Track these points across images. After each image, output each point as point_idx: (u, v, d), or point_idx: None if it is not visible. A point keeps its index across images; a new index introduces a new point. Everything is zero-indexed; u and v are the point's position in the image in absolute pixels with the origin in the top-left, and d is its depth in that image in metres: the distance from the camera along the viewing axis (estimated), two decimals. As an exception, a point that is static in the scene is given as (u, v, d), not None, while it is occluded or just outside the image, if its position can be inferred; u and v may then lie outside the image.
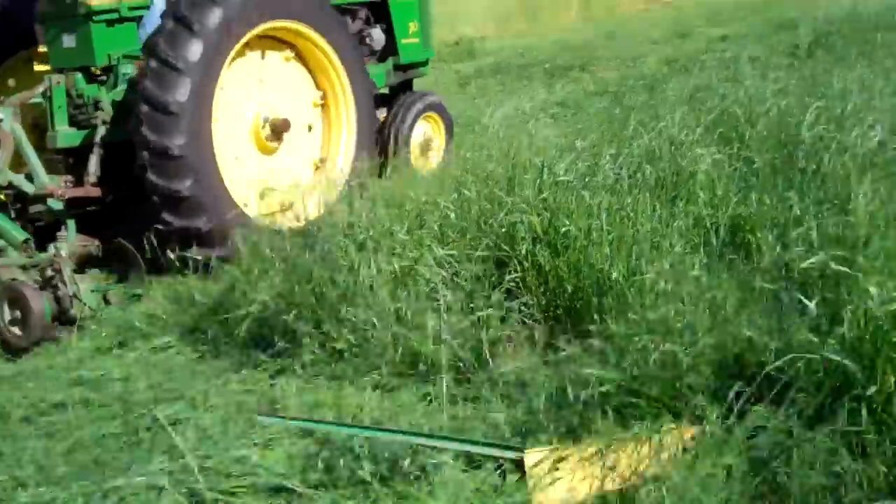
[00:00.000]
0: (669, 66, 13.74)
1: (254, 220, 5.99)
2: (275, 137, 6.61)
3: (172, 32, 5.74)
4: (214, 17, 5.77)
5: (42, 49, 7.01)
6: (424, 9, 8.63)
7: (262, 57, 6.58)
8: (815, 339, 3.43)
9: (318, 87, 6.97)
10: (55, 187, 5.91)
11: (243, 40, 6.14)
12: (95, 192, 6.12)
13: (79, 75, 6.40)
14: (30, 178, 6.05)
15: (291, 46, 6.73)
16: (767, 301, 3.96)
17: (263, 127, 6.53)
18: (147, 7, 6.52)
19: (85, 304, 5.43)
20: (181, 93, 5.67)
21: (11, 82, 7.13)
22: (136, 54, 6.43)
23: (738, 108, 7.09)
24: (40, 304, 5.24)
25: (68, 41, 6.42)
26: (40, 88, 6.24)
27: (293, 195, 6.20)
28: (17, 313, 5.27)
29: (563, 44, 18.18)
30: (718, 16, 21.04)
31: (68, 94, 6.29)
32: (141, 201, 6.08)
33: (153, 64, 5.70)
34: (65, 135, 6.27)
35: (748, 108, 7.25)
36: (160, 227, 5.85)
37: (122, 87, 6.42)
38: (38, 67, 7.19)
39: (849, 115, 6.35)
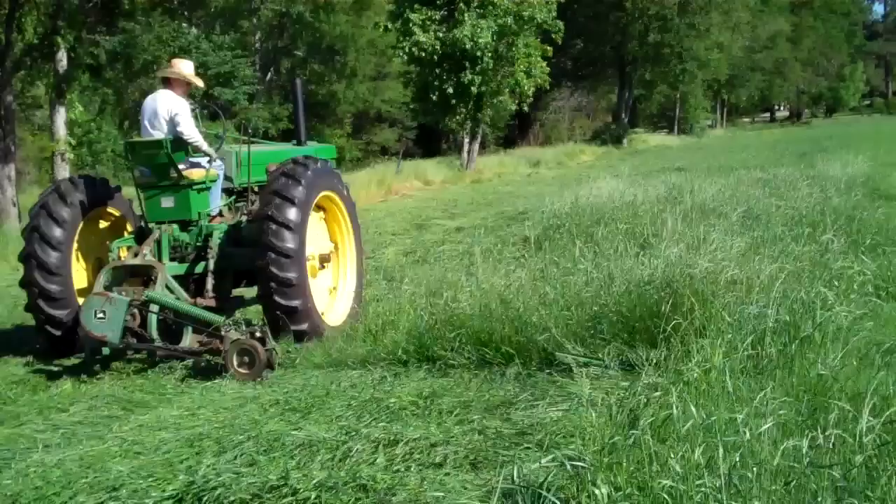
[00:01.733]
0: (408, 257, 14.04)
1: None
2: (321, 265, 9.20)
3: (286, 185, 8.36)
4: (312, 175, 8.64)
5: (111, 209, 9.42)
6: None
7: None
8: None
9: (332, 239, 9.63)
10: (198, 298, 8.47)
11: (317, 199, 8.88)
12: (212, 302, 8.51)
13: (176, 226, 8.84)
14: None
15: (324, 210, 9.46)
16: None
17: (314, 258, 8.99)
18: (215, 181, 9.13)
19: (277, 354, 7.83)
20: (296, 217, 8.30)
21: (91, 235, 9.20)
22: (209, 211, 9.08)
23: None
24: (265, 354, 7.55)
25: (167, 202, 8.74)
26: (156, 234, 8.65)
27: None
28: (246, 359, 7.56)
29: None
30: (454, 208, 21.91)
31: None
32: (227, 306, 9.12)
33: (278, 201, 8.25)
34: (170, 266, 8.61)
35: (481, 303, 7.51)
36: (272, 307, 8.27)
37: (206, 233, 8.85)
38: (103, 224, 9.47)
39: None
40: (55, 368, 8.50)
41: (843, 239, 10.12)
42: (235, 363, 7.58)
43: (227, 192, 9.68)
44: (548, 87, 38.18)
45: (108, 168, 40.03)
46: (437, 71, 33.10)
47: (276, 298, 8.18)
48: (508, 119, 53.12)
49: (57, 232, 8.56)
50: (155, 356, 8.29)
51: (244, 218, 9.20)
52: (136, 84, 31.86)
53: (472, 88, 32.75)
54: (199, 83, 9.38)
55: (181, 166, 8.65)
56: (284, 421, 6.15)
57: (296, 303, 8.23)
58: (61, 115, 18.05)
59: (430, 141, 53.85)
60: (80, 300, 8.56)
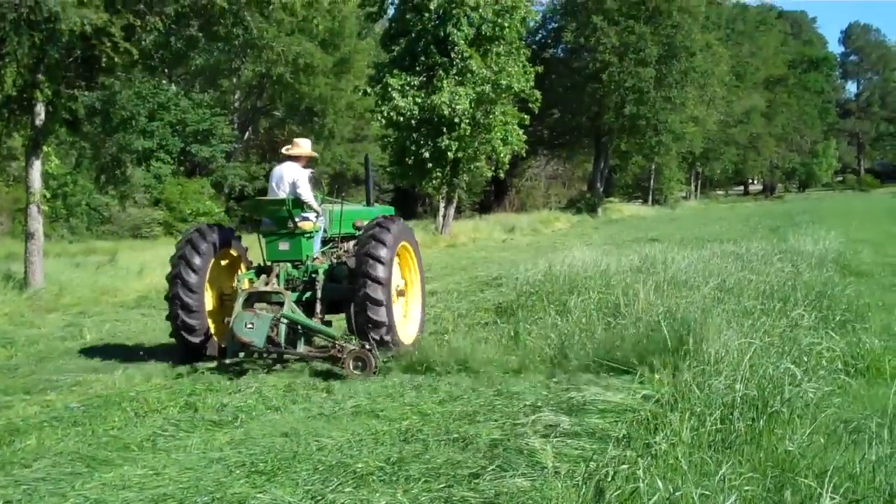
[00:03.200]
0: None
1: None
2: (398, 296, 11.39)
3: (380, 232, 10.69)
4: (397, 229, 11.04)
5: (232, 251, 11.68)
6: None
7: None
8: None
9: (403, 278, 11.86)
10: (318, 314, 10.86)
11: (397, 248, 11.11)
12: (319, 321, 10.85)
13: (289, 265, 11.13)
14: None
15: (399, 256, 11.58)
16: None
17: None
18: (318, 231, 11.52)
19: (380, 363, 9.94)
20: (387, 255, 10.61)
21: (219, 269, 11.51)
22: (313, 254, 11.37)
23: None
24: (375, 361, 9.77)
25: (283, 246, 11.11)
26: (276, 270, 10.95)
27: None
28: (360, 364, 9.77)
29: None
30: (428, 272, 21.84)
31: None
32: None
33: (374, 243, 10.56)
34: None
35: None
36: (365, 321, 10.42)
37: (311, 271, 11.17)
38: (225, 261, 11.65)
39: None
40: (20, 423, 8.39)
41: (814, 315, 10.19)
42: (351, 366, 9.78)
43: (322, 241, 11.88)
44: (524, 155, 38.50)
45: (83, 221, 39.91)
46: (415, 135, 33.30)
47: (369, 314, 10.39)
48: (484, 185, 53.55)
49: (197, 260, 10.93)
50: (281, 358, 10.57)
51: (335, 260, 11.49)
52: (114, 139, 31.86)
53: (449, 154, 32.95)
54: (315, 155, 12.01)
55: (297, 220, 11.05)
56: (250, 483, 6.09)
57: (383, 318, 10.42)
58: (37, 168, 17.99)
59: (405, 204, 54.07)
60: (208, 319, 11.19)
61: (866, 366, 8.47)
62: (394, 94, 32.33)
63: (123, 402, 8.98)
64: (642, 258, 16.02)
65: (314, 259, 11.38)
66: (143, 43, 19.13)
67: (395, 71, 33.16)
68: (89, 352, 12.45)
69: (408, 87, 32.68)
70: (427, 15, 32.85)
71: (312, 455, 6.73)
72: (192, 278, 10.85)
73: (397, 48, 34.22)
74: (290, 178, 11.27)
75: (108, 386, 9.82)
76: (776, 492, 4.88)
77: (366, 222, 11.41)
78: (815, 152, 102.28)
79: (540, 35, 62.25)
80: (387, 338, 10.46)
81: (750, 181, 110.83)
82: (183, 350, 11.10)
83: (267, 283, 10.78)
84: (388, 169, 41.16)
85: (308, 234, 11.22)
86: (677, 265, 14.50)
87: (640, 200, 72.56)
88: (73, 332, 14.04)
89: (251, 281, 11.00)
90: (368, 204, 13.18)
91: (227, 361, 10.70)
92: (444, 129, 32.82)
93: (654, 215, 57.85)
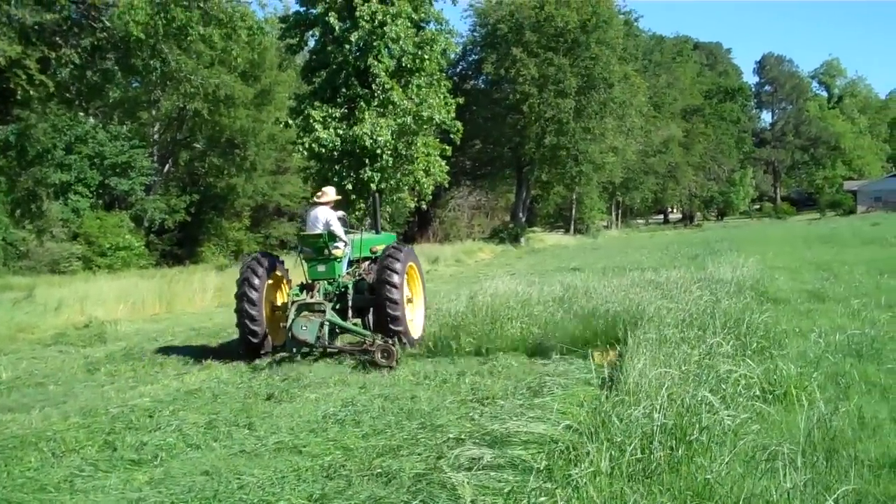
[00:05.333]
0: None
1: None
2: (407, 303, 13.98)
3: (394, 255, 13.69)
4: (405, 252, 14.08)
5: (278, 272, 14.51)
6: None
7: None
8: None
9: (410, 289, 14.69)
10: (350, 318, 13.75)
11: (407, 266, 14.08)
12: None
13: (325, 282, 13.85)
14: None
15: (407, 274, 14.35)
16: None
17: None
18: (346, 256, 14.29)
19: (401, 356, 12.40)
20: (399, 279, 13.51)
21: (269, 286, 14.13)
22: (343, 274, 14.10)
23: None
24: (396, 353, 12.16)
25: (321, 268, 13.87)
26: (317, 287, 13.68)
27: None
28: (386, 354, 12.08)
29: (200, 329, 18.07)
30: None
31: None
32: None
33: (390, 260, 13.59)
34: None
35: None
36: (388, 328, 13.21)
37: (341, 286, 13.94)
38: (270, 281, 14.19)
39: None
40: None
41: (732, 342, 10.33)
42: (379, 357, 12.17)
43: (347, 263, 14.60)
44: (447, 186, 38.68)
45: (-2, 256, 38.95)
46: (337, 167, 33.29)
47: (388, 310, 13.29)
48: (408, 216, 53.61)
49: (256, 280, 13.78)
50: (325, 351, 13.22)
51: (357, 278, 14.32)
52: (30, 173, 31.28)
53: (372, 185, 32.97)
54: (339, 197, 15.13)
55: (331, 248, 13.89)
56: (169, 524, 5.99)
57: (398, 314, 13.34)
58: (-51, 203, 17.62)
59: (328, 235, 53.88)
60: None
61: (783, 392, 8.60)
62: (315, 126, 32.30)
63: (40, 442, 8.77)
64: (564, 287, 16.12)
65: (343, 277, 14.20)
66: (59, 75, 18.87)
67: (317, 103, 33.16)
68: (4, 391, 12.16)
69: (329, 119, 32.68)
70: (348, 47, 32.90)
71: (234, 493, 6.65)
72: (253, 294, 13.72)
73: (318, 80, 34.23)
74: (324, 218, 14.20)
75: (23, 426, 9.58)
76: (696, 521, 4.93)
77: (380, 247, 14.82)
78: (733, 181, 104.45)
79: (461, 67, 62.79)
80: (400, 329, 13.25)
81: (669, 210, 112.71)
82: (245, 348, 13.84)
83: (311, 297, 13.60)
84: (310, 200, 40.94)
85: (339, 259, 14.05)
86: (598, 295, 14.61)
87: (563, 230, 73.27)
88: (-12, 372, 13.69)
89: (297, 295, 13.95)
90: (376, 233, 16.63)
91: (291, 353, 13.23)
92: (367, 161, 32.88)
93: (575, 244, 58.41)
